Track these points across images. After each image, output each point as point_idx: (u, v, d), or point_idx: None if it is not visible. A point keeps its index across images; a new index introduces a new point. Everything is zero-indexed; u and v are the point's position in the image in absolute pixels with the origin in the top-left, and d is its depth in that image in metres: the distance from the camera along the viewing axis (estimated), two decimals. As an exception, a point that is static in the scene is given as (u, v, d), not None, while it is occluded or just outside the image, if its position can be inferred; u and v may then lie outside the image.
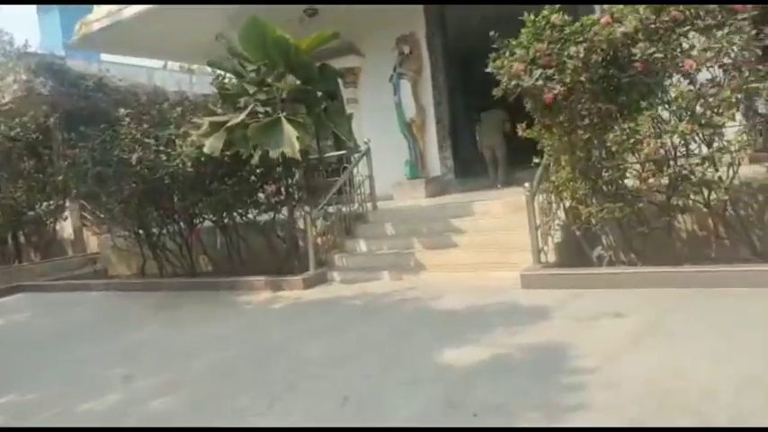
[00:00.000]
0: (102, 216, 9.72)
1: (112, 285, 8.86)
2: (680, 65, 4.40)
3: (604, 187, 5.08)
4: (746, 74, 4.19)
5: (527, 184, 5.47)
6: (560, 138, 4.96)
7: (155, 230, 8.58)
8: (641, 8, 4.54)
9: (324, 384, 3.59)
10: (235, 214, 7.97)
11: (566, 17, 4.84)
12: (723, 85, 4.37)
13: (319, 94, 7.05)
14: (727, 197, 4.43)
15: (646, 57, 4.34)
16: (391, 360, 3.87)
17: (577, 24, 4.75)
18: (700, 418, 2.54)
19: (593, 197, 5.02)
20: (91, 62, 14.72)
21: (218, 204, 7.75)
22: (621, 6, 4.73)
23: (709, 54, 4.18)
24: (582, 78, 4.54)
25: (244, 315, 5.99)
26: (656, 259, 5.15)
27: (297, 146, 6.34)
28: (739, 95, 4.21)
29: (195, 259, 8.61)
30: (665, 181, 4.84)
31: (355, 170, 8.11)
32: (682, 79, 4.63)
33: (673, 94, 4.46)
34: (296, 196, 7.70)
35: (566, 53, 4.62)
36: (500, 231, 6.41)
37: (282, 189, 7.72)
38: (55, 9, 18.24)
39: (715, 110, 4.29)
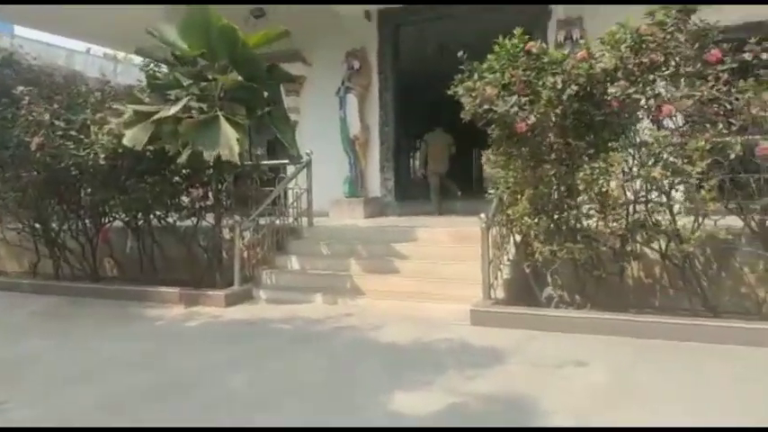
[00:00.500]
0: (-8, 204, 8.47)
1: (-5, 283, 7.66)
2: (653, 109, 4.26)
3: (563, 226, 4.85)
4: (720, 126, 4.11)
5: (483, 215, 5.15)
6: (524, 170, 4.69)
7: (54, 226, 7.61)
8: (622, 46, 4.39)
9: (250, 430, 2.98)
10: (152, 216, 7.14)
11: (543, 45, 4.62)
12: (691, 135, 4.26)
13: (266, 94, 6.45)
14: (691, 248, 4.30)
15: (624, 96, 4.16)
16: (330, 403, 3.32)
17: (555, 54, 4.54)
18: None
19: (554, 235, 4.76)
20: (1, 35, 13.22)
21: (133, 203, 6.90)
22: (599, 42, 4.57)
23: (689, 102, 4.06)
24: (557, 111, 4.30)
25: (152, 333, 5.20)
26: (606, 304, 4.97)
27: (236, 149, 5.69)
28: (710, 147, 4.11)
29: (99, 262, 7.65)
30: (623, 225, 4.67)
31: (293, 182, 7.53)
32: (650, 124, 4.51)
33: (648, 138, 4.30)
34: (225, 203, 7.00)
35: (541, 82, 4.37)
36: (445, 261, 6.06)
37: (210, 194, 6.99)
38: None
39: (686, 159, 4.16)
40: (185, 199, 7.18)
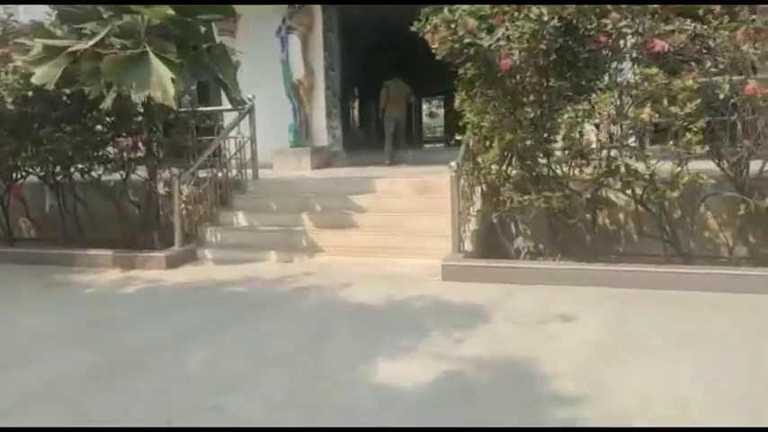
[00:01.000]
0: None
1: None
2: (641, 45, 3.96)
3: (537, 173, 4.57)
4: (708, 64, 3.88)
5: (453, 163, 4.77)
6: (502, 114, 4.31)
7: (-44, 182, 6.60)
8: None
9: (218, 420, 2.55)
10: (73, 170, 6.31)
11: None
12: (677, 74, 4.02)
13: (203, 29, 5.67)
14: (676, 194, 4.13)
15: (614, 30, 3.82)
16: (307, 381, 2.91)
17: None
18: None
19: (527, 183, 4.48)
20: None
21: (50, 156, 6.05)
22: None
23: (683, 37, 3.78)
24: (542, 46, 3.90)
25: (84, 303, 4.56)
26: (576, 254, 4.81)
27: (171, 90, 4.97)
28: (698, 86, 3.88)
29: (14, 223, 6.78)
30: (600, 171, 4.45)
31: (234, 131, 6.84)
32: (632, 64, 4.23)
33: (637, 78, 4.01)
34: (159, 155, 6.26)
35: (522, 14, 3.95)
36: (407, 213, 5.70)
37: (141, 144, 6.23)
38: None
39: (673, 99, 3.92)
40: (112, 150, 6.41)
